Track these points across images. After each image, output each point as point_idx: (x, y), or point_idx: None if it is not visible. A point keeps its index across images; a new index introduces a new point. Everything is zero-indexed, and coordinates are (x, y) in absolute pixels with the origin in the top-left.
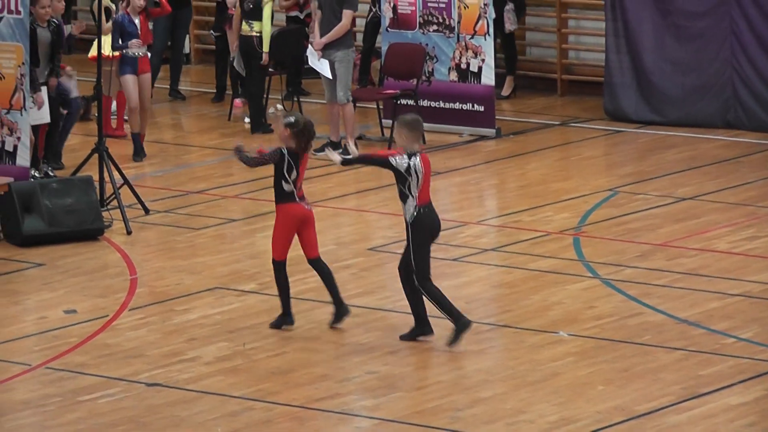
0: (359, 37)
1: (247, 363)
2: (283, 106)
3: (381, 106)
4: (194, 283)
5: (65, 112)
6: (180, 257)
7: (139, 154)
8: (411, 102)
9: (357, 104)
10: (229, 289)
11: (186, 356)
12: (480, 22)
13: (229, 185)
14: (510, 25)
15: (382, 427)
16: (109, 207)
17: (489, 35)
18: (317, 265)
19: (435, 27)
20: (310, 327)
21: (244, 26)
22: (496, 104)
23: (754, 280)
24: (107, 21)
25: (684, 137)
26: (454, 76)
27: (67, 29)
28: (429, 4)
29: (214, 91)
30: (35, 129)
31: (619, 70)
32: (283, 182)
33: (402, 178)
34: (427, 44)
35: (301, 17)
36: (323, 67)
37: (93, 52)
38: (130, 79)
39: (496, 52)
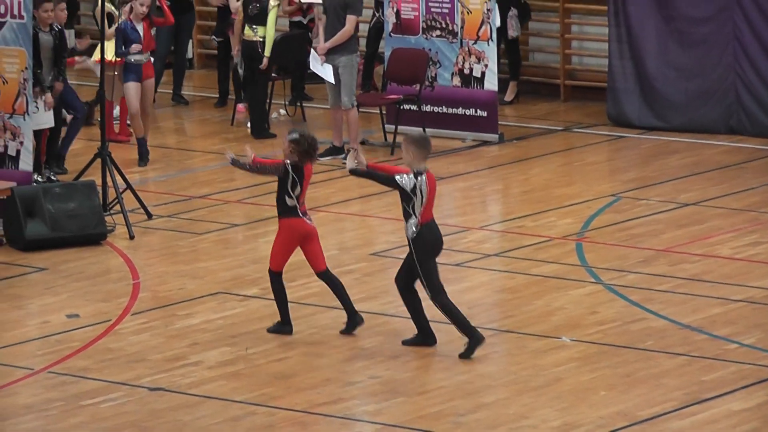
0: (363, 42)
1: (249, 368)
2: (287, 111)
3: (384, 111)
4: (197, 288)
5: (70, 116)
6: (182, 262)
7: (144, 158)
8: (414, 107)
9: (360, 109)
10: (231, 294)
11: (188, 361)
12: (483, 27)
13: (232, 190)
14: (513, 31)
15: None
16: (111, 212)
17: (492, 40)
18: (326, 277)
19: (438, 32)
20: (312, 332)
21: (248, 31)
22: (499, 109)
23: (757, 285)
24: (110, 27)
25: (687, 143)
26: (457, 81)
27: (70, 38)
28: (432, 9)
29: (217, 96)
30: (37, 133)
31: (622, 76)
32: (286, 197)
33: (407, 197)
34: (430, 49)
35: (305, 22)
36: (326, 71)
37: (96, 56)
38: (132, 87)
39: (499, 57)
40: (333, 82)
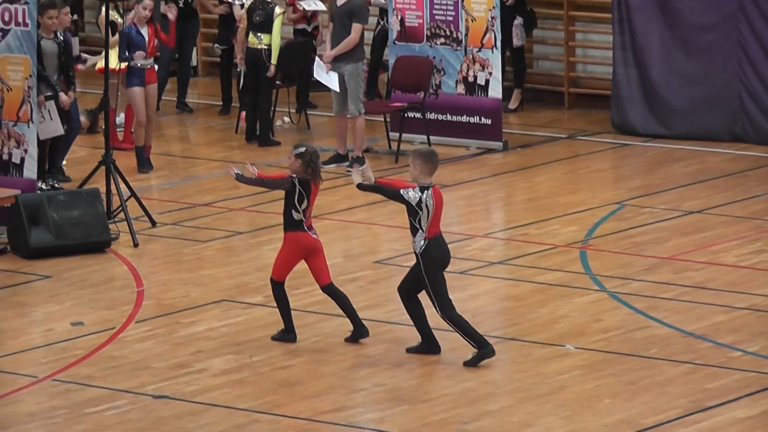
0: (368, 50)
1: (253, 375)
2: (291, 119)
3: (388, 119)
4: (201, 296)
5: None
6: (187, 270)
7: (145, 166)
8: (418, 115)
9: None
10: (235, 302)
11: (192, 368)
12: (487, 35)
13: (236, 198)
14: (518, 40)
15: None
16: (116, 219)
17: (496, 48)
18: (330, 291)
19: (442, 40)
20: (316, 339)
21: (253, 39)
22: (504, 117)
23: (761, 293)
24: (113, 35)
25: (691, 150)
26: (461, 89)
27: (75, 45)
28: (436, 17)
29: (221, 103)
30: (41, 141)
31: (627, 84)
32: (293, 211)
33: (413, 211)
34: (434, 57)
35: (309, 30)
36: (331, 79)
37: (100, 64)
38: (137, 92)
39: (504, 65)
40: (338, 90)
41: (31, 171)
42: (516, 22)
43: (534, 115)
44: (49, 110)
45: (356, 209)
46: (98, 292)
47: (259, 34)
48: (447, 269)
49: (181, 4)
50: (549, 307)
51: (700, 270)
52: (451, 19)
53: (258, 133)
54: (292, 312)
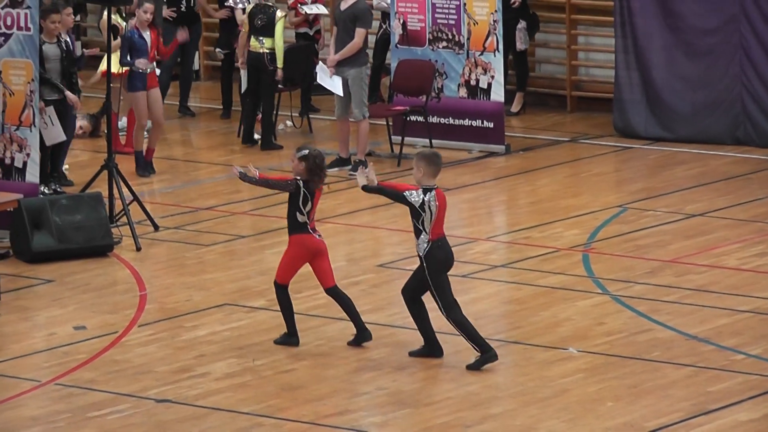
0: (370, 53)
1: (256, 379)
2: (293, 122)
3: (391, 123)
4: (203, 300)
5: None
6: (189, 273)
7: (144, 169)
8: (420, 118)
9: None
10: (238, 306)
11: (195, 372)
12: (489, 38)
13: (238, 202)
14: (521, 44)
15: None
16: (118, 223)
17: (498, 51)
18: (334, 293)
19: (444, 43)
20: (318, 343)
21: (254, 43)
22: (506, 120)
23: (764, 296)
24: (115, 39)
25: (693, 154)
26: (463, 92)
27: (78, 47)
28: (438, 21)
29: (222, 107)
30: (42, 145)
31: (629, 87)
32: (297, 213)
33: (416, 213)
34: (436, 61)
35: (311, 34)
36: (334, 84)
37: (102, 67)
38: (139, 96)
39: (507, 69)
40: (341, 94)
41: (33, 175)
42: (519, 25)
43: (536, 118)
44: (49, 116)
45: (359, 213)
46: (101, 296)
47: (260, 38)
48: (450, 272)
49: (183, 8)
50: (552, 311)
51: (703, 273)
52: (453, 22)
53: (260, 136)
54: (295, 315)
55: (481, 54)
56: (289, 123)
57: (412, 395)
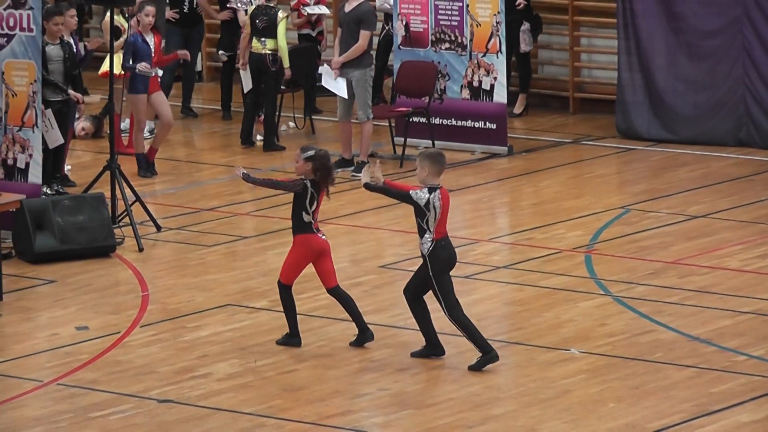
0: (373, 55)
1: (258, 380)
2: (296, 123)
3: (393, 124)
4: (206, 300)
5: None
6: (191, 274)
7: (145, 170)
8: (423, 120)
9: None
10: (240, 306)
11: (197, 373)
12: (492, 40)
13: (241, 203)
14: (525, 45)
15: None
16: (120, 224)
17: (501, 53)
18: (337, 294)
19: (447, 45)
20: (321, 344)
21: (256, 44)
22: (508, 122)
23: (766, 297)
24: (117, 39)
25: (696, 155)
26: (466, 93)
27: (80, 46)
28: (441, 22)
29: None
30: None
31: (632, 89)
32: (303, 213)
33: (421, 212)
34: (439, 62)
35: (313, 35)
36: (339, 86)
37: (103, 68)
38: (141, 99)
39: (510, 70)
40: (346, 96)
41: (35, 176)
42: (523, 27)
43: (539, 119)
44: (48, 119)
45: (362, 214)
46: (103, 296)
47: (262, 39)
48: (452, 274)
49: (186, 9)
50: (554, 312)
51: (705, 274)
52: (456, 24)
53: (262, 137)
54: (297, 316)
55: (484, 55)
56: (291, 124)
57: (414, 396)
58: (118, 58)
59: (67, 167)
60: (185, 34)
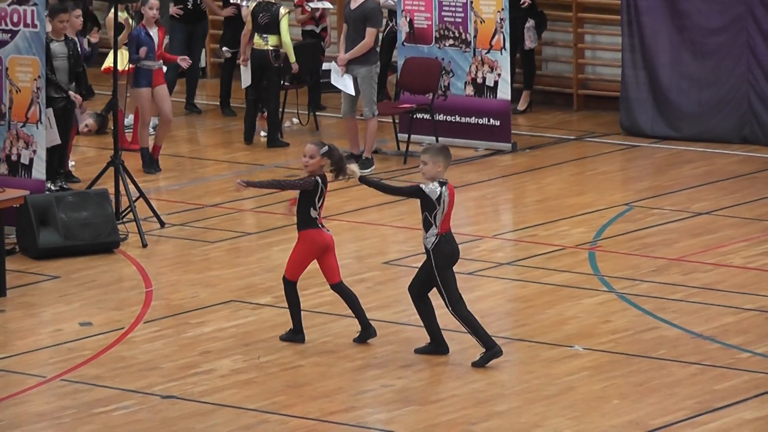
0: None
1: (261, 376)
2: (299, 120)
3: (397, 121)
4: (209, 296)
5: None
6: (195, 270)
7: (150, 167)
8: (427, 116)
9: None
10: (244, 302)
11: (201, 369)
12: (496, 36)
13: (244, 199)
14: (530, 42)
15: None
16: (124, 220)
17: (505, 50)
18: (340, 289)
19: (451, 41)
20: (324, 340)
21: (258, 40)
22: (512, 119)
23: None
24: (119, 33)
25: (700, 152)
26: (470, 90)
27: (84, 42)
28: (445, 19)
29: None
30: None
31: (636, 86)
32: (311, 209)
33: (431, 206)
34: (443, 59)
35: (317, 31)
36: (347, 83)
37: (106, 64)
38: (144, 93)
39: (514, 67)
40: (353, 94)
41: (39, 172)
42: (528, 24)
43: (543, 116)
44: (48, 118)
45: (365, 210)
46: (107, 292)
47: (264, 36)
48: (456, 270)
49: (190, 6)
50: (557, 308)
51: (709, 271)
52: (459, 20)
53: (266, 133)
54: (301, 312)
55: (488, 52)
56: (295, 120)
57: (417, 392)
58: (122, 54)
59: (71, 163)
60: (189, 31)
